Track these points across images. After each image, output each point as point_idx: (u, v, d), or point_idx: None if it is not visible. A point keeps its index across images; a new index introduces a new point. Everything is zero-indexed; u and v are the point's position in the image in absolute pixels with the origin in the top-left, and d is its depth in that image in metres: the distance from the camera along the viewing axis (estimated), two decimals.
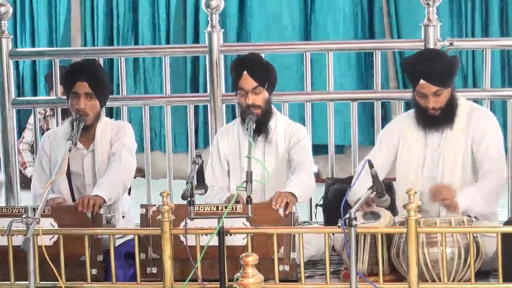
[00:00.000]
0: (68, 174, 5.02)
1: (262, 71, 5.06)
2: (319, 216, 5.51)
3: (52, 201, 4.83)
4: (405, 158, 4.94)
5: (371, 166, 4.29)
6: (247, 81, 5.00)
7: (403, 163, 4.94)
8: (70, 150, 4.72)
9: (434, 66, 4.77)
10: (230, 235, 4.35)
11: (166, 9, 9.28)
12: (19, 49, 8.52)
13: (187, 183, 4.22)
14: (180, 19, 9.23)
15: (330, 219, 5.28)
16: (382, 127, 5.40)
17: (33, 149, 7.15)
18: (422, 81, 4.78)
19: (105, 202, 4.74)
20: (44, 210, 4.46)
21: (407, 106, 5.52)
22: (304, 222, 5.29)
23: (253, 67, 5.03)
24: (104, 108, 5.22)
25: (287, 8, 9.10)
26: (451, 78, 4.84)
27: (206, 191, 4.39)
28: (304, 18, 9.15)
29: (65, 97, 5.11)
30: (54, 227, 4.60)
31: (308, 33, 9.13)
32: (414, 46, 5.77)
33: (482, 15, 8.67)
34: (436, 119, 4.85)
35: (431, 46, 5.61)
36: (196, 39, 9.14)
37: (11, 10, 6.13)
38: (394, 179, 5.14)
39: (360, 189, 4.47)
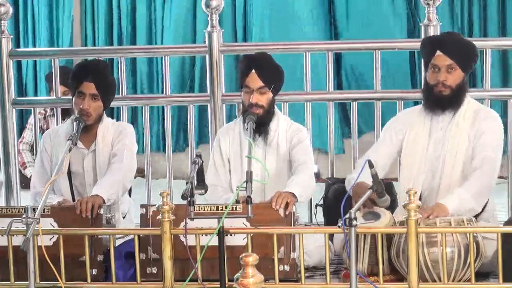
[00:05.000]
0: (69, 173, 5.03)
1: (270, 72, 5.05)
2: (319, 216, 5.51)
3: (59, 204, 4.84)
4: (410, 151, 4.93)
5: (371, 166, 4.30)
6: (254, 80, 4.99)
7: (408, 157, 4.94)
8: (70, 151, 4.72)
9: (454, 39, 4.93)
10: (230, 235, 4.35)
11: (162, 9, 9.29)
12: (19, 49, 8.51)
13: (187, 183, 4.22)
14: (179, 19, 9.23)
15: (330, 219, 5.29)
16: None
17: (33, 149, 7.15)
18: (438, 52, 4.83)
19: (104, 202, 4.74)
20: (44, 210, 4.46)
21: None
22: (305, 224, 5.29)
23: (262, 67, 5.02)
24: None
25: None
26: (466, 59, 4.88)
27: (206, 191, 4.38)
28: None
29: (65, 96, 5.11)
30: (54, 227, 4.59)
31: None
32: (414, 46, 5.78)
33: (480, 15, 8.66)
34: (443, 100, 4.85)
35: None
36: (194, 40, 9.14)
37: (11, 10, 6.13)
38: (395, 179, 5.14)
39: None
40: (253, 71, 4.99)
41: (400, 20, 8.74)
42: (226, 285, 4.24)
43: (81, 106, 4.97)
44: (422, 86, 5.04)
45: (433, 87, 4.85)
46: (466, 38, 5.21)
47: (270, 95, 5.05)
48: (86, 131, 5.00)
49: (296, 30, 8.82)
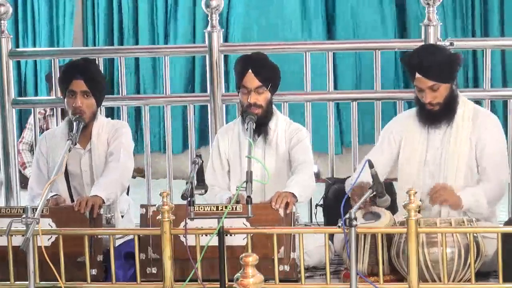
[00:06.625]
0: (66, 174, 5.00)
1: (267, 71, 5.04)
2: (319, 216, 5.51)
3: (52, 200, 4.83)
4: (408, 156, 4.93)
5: (371, 166, 4.29)
6: (251, 80, 4.99)
7: (406, 161, 4.93)
8: (69, 151, 4.71)
9: (429, 60, 4.76)
10: (230, 235, 4.35)
11: (164, 8, 9.29)
12: (19, 49, 8.51)
13: (187, 183, 4.22)
14: (178, 19, 9.23)
15: (330, 219, 5.28)
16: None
17: (32, 149, 7.15)
18: (417, 75, 4.78)
19: (103, 202, 4.74)
20: (42, 211, 4.45)
21: (408, 106, 5.54)
22: (305, 224, 5.28)
23: (259, 67, 5.01)
24: (101, 107, 5.21)
25: None
26: (448, 74, 4.80)
27: (206, 191, 4.38)
28: None
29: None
30: (52, 227, 4.59)
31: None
32: (414, 46, 5.75)
33: (481, 15, 8.67)
34: (435, 115, 4.83)
35: None
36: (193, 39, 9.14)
37: (11, 10, 6.13)
38: (395, 179, 5.14)
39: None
40: (250, 71, 4.98)
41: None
42: (226, 285, 4.24)
43: (73, 105, 4.95)
44: (414, 99, 4.99)
45: (423, 104, 4.84)
46: (442, 47, 5.10)
47: (268, 94, 5.04)
48: (82, 131, 4.95)
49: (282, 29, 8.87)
